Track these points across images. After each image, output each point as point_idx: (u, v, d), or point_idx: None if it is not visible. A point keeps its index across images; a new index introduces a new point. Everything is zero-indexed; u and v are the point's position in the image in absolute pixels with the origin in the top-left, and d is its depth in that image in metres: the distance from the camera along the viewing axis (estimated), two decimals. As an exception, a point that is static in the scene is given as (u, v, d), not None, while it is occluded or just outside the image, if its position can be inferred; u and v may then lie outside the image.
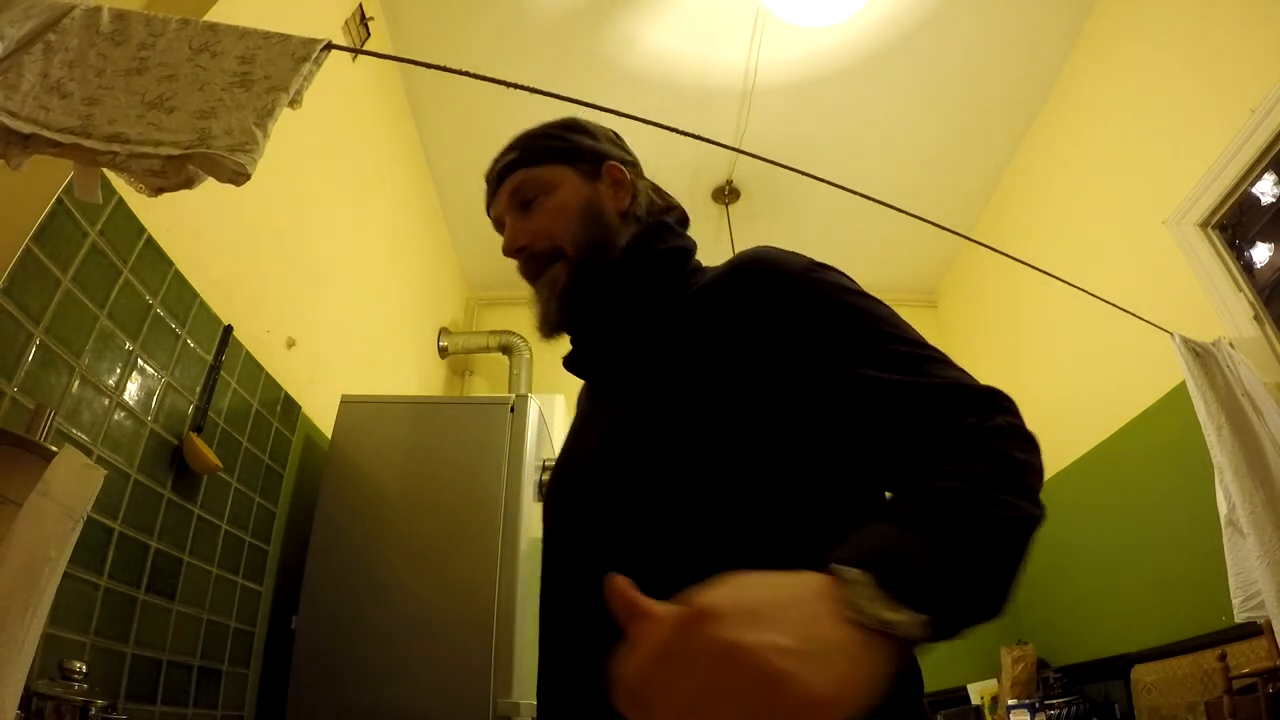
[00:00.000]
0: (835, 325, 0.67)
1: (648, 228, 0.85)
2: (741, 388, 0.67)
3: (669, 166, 3.51)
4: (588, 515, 0.71)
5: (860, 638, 0.39)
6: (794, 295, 0.69)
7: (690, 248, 0.86)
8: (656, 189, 0.93)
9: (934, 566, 0.45)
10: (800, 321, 0.68)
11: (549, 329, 0.83)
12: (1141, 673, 2.48)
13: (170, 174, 0.91)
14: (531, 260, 0.85)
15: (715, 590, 0.38)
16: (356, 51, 1.27)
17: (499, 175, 0.91)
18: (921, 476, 0.56)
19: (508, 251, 0.87)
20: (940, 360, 0.67)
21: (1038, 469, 0.62)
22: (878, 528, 0.49)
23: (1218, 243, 2.39)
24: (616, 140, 0.95)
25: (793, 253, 0.75)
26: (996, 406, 0.63)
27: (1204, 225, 2.41)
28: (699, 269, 0.84)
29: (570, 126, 0.92)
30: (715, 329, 0.71)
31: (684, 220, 0.92)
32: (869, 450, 0.64)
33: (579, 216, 0.83)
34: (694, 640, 0.36)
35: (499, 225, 0.91)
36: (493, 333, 3.87)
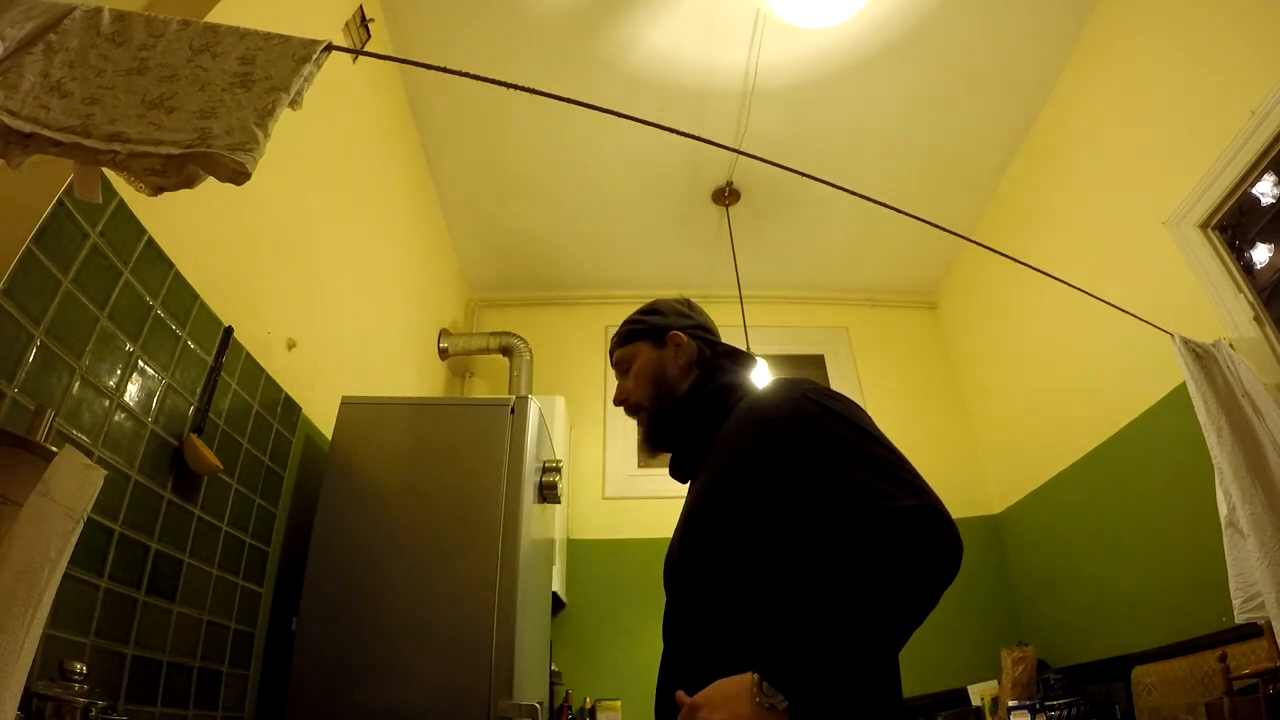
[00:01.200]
0: (818, 447, 0.96)
1: (700, 375, 1.21)
2: (745, 498, 0.99)
3: (669, 167, 3.52)
4: (671, 573, 1.10)
5: (760, 712, 0.80)
6: (777, 432, 1.00)
7: (731, 382, 1.19)
8: (708, 339, 1.28)
9: (800, 669, 0.81)
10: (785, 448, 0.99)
11: (648, 452, 1.25)
12: (1142, 674, 2.48)
13: (170, 173, 0.91)
14: (628, 410, 1.26)
15: (704, 691, 0.85)
16: (357, 53, 1.27)
17: (610, 354, 1.33)
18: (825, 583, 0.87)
19: (617, 403, 1.28)
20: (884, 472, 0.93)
21: (917, 580, 0.86)
22: (781, 641, 0.84)
23: (1218, 243, 2.39)
24: (682, 309, 1.31)
25: (784, 390, 1.06)
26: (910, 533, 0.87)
27: (1204, 226, 2.41)
28: (741, 396, 1.16)
29: (649, 310, 1.31)
30: (731, 452, 1.05)
31: (730, 353, 1.26)
32: (815, 545, 0.95)
33: (649, 380, 1.23)
34: (694, 715, 0.84)
35: (618, 383, 1.30)
36: (493, 334, 3.87)
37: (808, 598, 0.88)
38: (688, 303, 1.34)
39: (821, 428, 0.97)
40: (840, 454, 0.94)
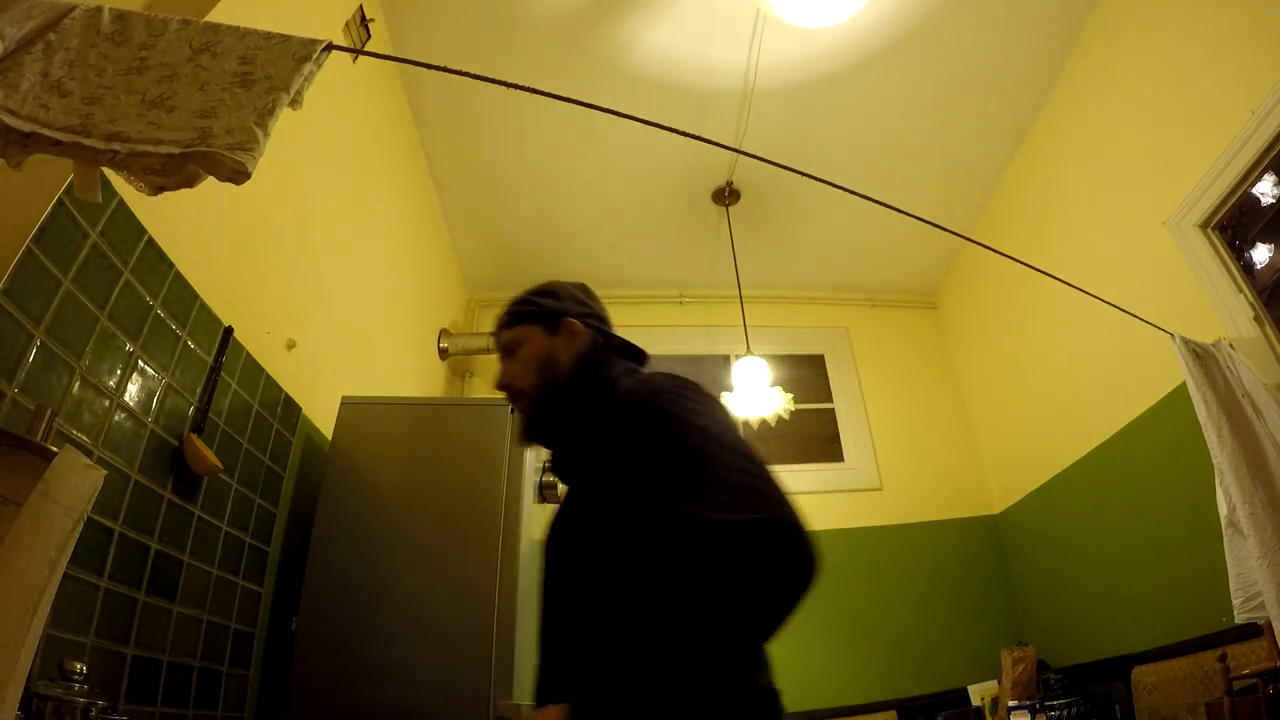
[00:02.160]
0: (653, 451, 0.92)
1: (582, 366, 1.13)
2: (611, 500, 0.94)
3: (669, 167, 3.52)
4: (550, 566, 1.05)
5: None
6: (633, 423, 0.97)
7: (616, 377, 1.11)
8: (602, 330, 1.20)
9: (607, 711, 0.81)
10: (636, 448, 0.94)
11: (522, 442, 1.18)
12: (1142, 674, 2.48)
13: (170, 173, 0.91)
14: (510, 396, 1.17)
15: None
16: (357, 52, 1.27)
17: (495, 333, 1.23)
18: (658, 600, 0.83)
19: (498, 387, 1.18)
20: (720, 485, 0.86)
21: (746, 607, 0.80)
22: (597, 676, 0.86)
23: (1218, 243, 2.39)
24: (579, 295, 1.24)
25: (644, 390, 1.02)
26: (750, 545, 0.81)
27: (1204, 226, 2.41)
28: (618, 390, 1.08)
29: (543, 291, 1.22)
30: (599, 454, 1.00)
31: (624, 348, 1.20)
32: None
33: (537, 367, 1.14)
34: None
35: (500, 364, 1.22)
36: (493, 334, 3.86)
37: (634, 622, 0.84)
38: (585, 289, 1.27)
39: (669, 432, 0.91)
40: (684, 462, 0.88)
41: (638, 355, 1.20)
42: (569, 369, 1.12)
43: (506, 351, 1.18)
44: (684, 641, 0.77)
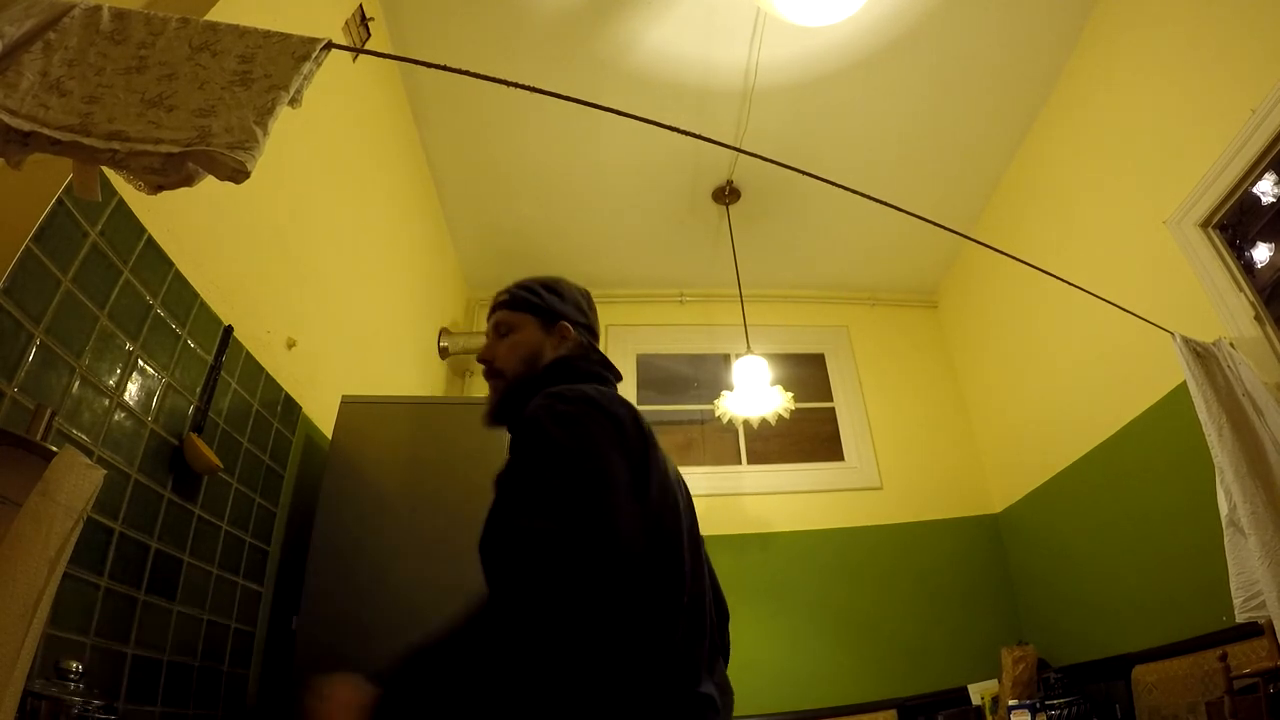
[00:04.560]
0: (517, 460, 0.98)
1: (555, 368, 1.16)
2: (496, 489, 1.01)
3: (670, 166, 3.52)
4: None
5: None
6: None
7: (568, 383, 1.12)
8: (590, 343, 1.25)
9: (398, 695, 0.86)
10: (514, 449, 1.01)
11: (486, 421, 1.21)
12: (1142, 673, 2.48)
13: (170, 172, 0.91)
14: (488, 372, 1.22)
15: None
16: (357, 51, 1.27)
17: (494, 306, 1.26)
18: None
19: (478, 359, 1.23)
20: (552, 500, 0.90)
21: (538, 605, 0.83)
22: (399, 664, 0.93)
23: (1218, 243, 2.39)
24: (580, 303, 1.28)
25: (543, 399, 1.02)
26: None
27: (1204, 225, 2.41)
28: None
29: (551, 288, 1.27)
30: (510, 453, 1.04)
31: (602, 362, 1.22)
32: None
33: (524, 356, 1.19)
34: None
35: (488, 336, 1.26)
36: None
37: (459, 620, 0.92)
38: (588, 299, 1.32)
39: (535, 438, 0.96)
40: (529, 466, 0.94)
41: (612, 374, 1.22)
42: (545, 368, 1.17)
43: (498, 330, 1.23)
44: (465, 651, 0.87)
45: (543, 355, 1.19)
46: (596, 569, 0.82)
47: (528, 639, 0.82)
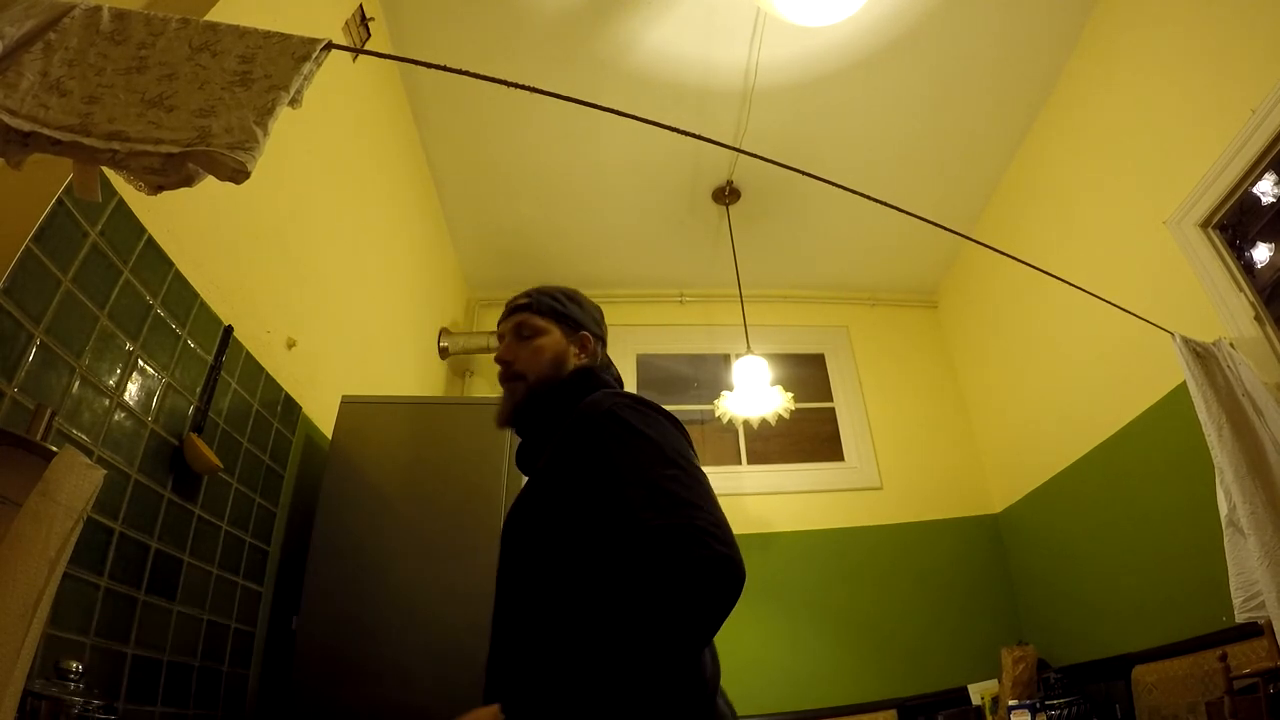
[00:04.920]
0: (609, 456, 0.95)
1: (579, 376, 1.17)
2: (562, 499, 0.98)
3: (670, 166, 3.51)
4: (504, 558, 1.07)
5: None
6: (591, 432, 1.00)
7: (594, 390, 1.13)
8: (604, 354, 1.28)
9: (540, 712, 0.80)
10: (590, 453, 0.98)
11: (501, 422, 1.19)
12: (1142, 673, 2.48)
13: (170, 172, 0.91)
14: (506, 374, 1.20)
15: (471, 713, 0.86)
16: (357, 51, 1.27)
17: (514, 308, 1.25)
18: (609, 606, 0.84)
19: (498, 359, 1.21)
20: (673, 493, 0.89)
21: (692, 605, 0.81)
22: (534, 674, 0.88)
23: (1218, 243, 2.39)
24: (599, 317, 1.31)
25: (609, 398, 1.04)
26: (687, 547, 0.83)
27: (1204, 225, 2.41)
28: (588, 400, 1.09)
29: (573, 298, 1.27)
30: (560, 453, 1.02)
31: (615, 376, 1.24)
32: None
33: (548, 361, 1.18)
34: None
35: (501, 338, 1.25)
36: (493, 333, 3.80)
37: (573, 622, 0.88)
38: (601, 313, 1.35)
39: (620, 438, 0.96)
40: (625, 467, 0.92)
41: (619, 382, 1.25)
42: (568, 375, 1.18)
43: (519, 331, 1.21)
44: (612, 640, 0.79)
45: (566, 362, 1.20)
46: (702, 561, 0.81)
47: (644, 641, 0.78)
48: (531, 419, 1.16)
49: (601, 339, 1.28)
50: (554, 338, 1.20)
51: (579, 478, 0.97)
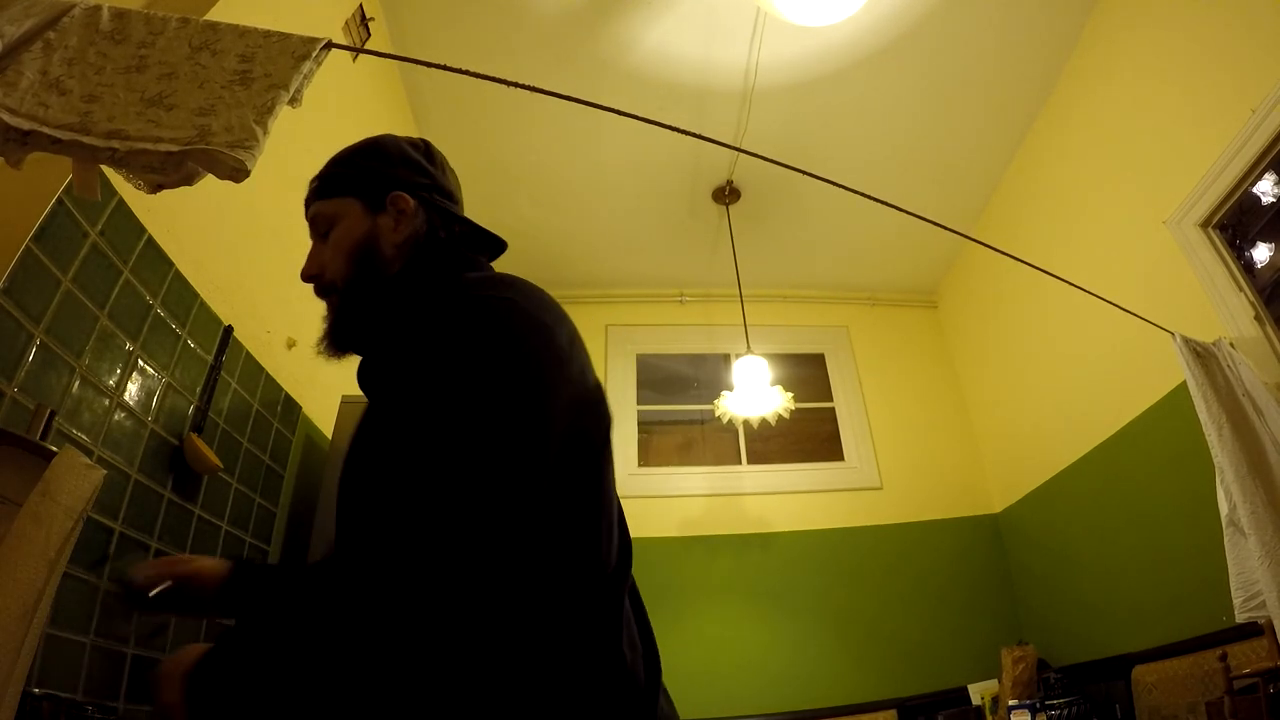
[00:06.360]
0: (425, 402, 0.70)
1: (411, 258, 0.89)
2: (391, 423, 0.76)
3: (670, 166, 3.51)
4: (340, 488, 0.86)
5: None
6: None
7: (451, 272, 0.88)
8: (445, 209, 0.94)
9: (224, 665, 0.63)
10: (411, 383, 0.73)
11: (327, 351, 0.93)
12: (1142, 673, 2.48)
13: (169, 171, 0.91)
14: (317, 290, 0.92)
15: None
16: (357, 51, 1.27)
17: (306, 203, 0.95)
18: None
19: (303, 277, 0.92)
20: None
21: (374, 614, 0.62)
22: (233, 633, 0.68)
23: (1218, 243, 2.39)
24: (414, 157, 0.95)
25: (465, 298, 0.79)
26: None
27: (1204, 225, 2.41)
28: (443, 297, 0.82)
29: (367, 151, 0.94)
30: (405, 363, 0.77)
31: (473, 233, 0.95)
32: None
33: (351, 254, 0.88)
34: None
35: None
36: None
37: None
38: (429, 148, 0.98)
39: (466, 362, 0.70)
40: (430, 422, 0.67)
41: (491, 244, 0.97)
42: (392, 261, 0.88)
43: (317, 230, 0.92)
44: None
45: (378, 245, 0.88)
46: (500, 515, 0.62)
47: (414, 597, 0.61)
48: (360, 335, 0.90)
49: (435, 186, 0.94)
50: (352, 221, 0.89)
51: (414, 406, 0.71)
